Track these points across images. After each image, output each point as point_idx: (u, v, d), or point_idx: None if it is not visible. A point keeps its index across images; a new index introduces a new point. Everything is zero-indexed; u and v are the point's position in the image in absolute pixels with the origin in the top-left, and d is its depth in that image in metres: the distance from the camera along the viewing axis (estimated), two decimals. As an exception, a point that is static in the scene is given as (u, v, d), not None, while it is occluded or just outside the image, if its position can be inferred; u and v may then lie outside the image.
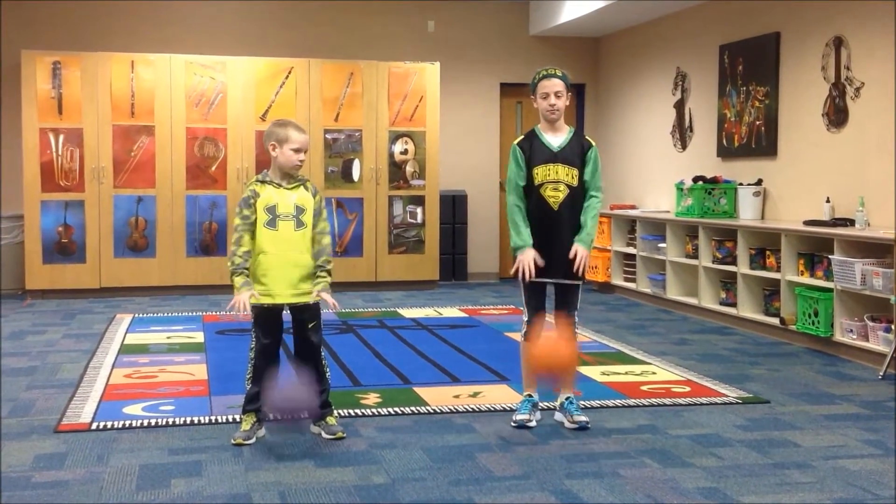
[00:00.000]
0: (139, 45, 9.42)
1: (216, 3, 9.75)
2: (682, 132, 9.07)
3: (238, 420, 4.37)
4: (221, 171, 9.04)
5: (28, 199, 8.67)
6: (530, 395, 4.57)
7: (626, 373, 5.68)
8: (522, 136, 4.57)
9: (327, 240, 4.30)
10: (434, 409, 4.78)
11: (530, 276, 4.36)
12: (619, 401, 4.99)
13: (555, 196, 4.43)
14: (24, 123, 8.65)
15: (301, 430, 4.33)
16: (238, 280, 4.14)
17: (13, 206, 9.12)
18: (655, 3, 8.74)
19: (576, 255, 4.39)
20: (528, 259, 4.36)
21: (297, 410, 4.13)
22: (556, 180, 4.43)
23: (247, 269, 4.16)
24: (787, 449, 4.17)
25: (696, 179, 8.10)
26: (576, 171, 4.44)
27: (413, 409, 4.79)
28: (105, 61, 8.80)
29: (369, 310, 8.08)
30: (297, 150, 4.20)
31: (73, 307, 8.26)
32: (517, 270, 4.39)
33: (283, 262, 4.18)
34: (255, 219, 4.18)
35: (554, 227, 4.43)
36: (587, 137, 4.59)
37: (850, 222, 6.49)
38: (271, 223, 4.18)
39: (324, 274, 4.23)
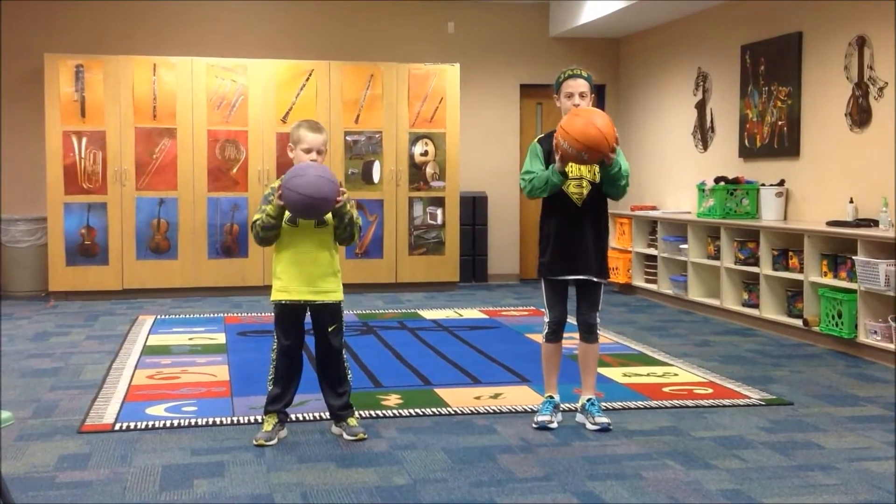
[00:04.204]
0: (161, 48, 9.48)
1: (237, 6, 9.79)
2: (704, 133, 9.03)
3: (260, 421, 4.39)
4: (243, 174, 9.07)
5: (51, 202, 8.74)
6: (551, 397, 4.56)
7: (648, 374, 5.66)
8: (543, 135, 4.57)
9: (359, 222, 4.34)
10: (455, 411, 4.78)
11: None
12: (641, 402, 4.97)
13: (578, 192, 4.42)
14: (47, 126, 8.71)
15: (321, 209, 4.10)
16: (268, 209, 4.13)
17: (36, 208, 9.20)
18: (676, 4, 8.71)
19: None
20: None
21: (319, 196, 4.00)
22: (578, 177, 4.42)
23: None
24: (811, 451, 4.14)
25: (717, 180, 8.06)
26: (598, 167, 4.43)
27: (434, 410, 4.79)
28: (127, 64, 8.86)
29: (390, 311, 8.08)
30: (307, 151, 4.20)
31: (95, 309, 8.31)
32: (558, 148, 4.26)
33: (303, 258, 4.19)
34: None
35: (577, 224, 4.42)
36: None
37: (873, 223, 6.45)
38: (292, 220, 4.19)
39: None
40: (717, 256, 7.86)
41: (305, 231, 4.21)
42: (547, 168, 4.40)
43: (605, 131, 4.16)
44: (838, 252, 6.50)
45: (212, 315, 7.91)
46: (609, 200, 4.53)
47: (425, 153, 9.45)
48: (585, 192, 4.42)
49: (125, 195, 8.86)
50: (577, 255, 4.42)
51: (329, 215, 4.21)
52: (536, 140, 4.54)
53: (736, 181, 7.98)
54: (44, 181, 8.85)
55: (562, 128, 4.22)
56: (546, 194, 4.42)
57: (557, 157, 4.28)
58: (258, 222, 4.19)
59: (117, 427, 4.47)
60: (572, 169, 4.40)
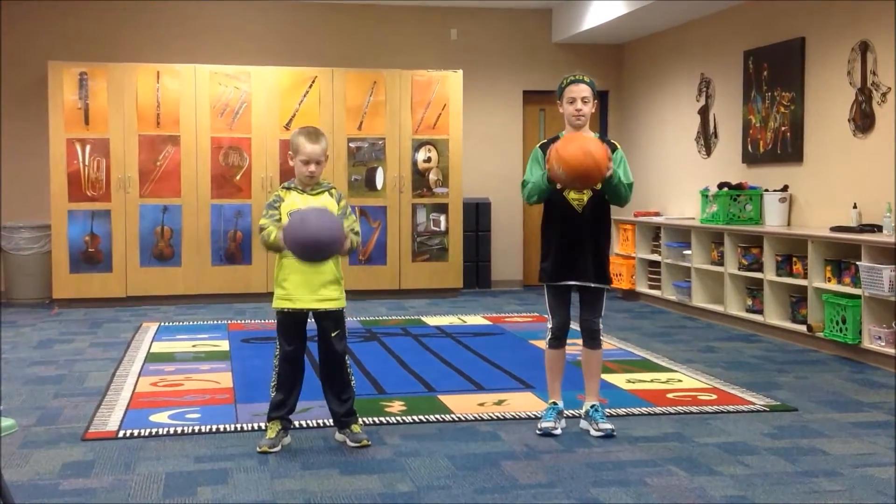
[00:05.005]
0: (164, 55, 9.50)
1: (240, 13, 9.81)
2: (707, 138, 9.03)
3: (263, 428, 4.38)
4: (246, 181, 9.08)
5: (55, 209, 8.75)
6: (555, 403, 4.56)
7: (652, 380, 5.65)
8: (546, 140, 4.57)
9: (357, 228, 4.29)
10: (459, 417, 4.78)
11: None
12: (644, 409, 4.96)
13: (579, 199, 4.42)
14: (51, 134, 8.73)
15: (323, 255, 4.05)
16: (272, 231, 4.13)
17: (40, 215, 9.21)
18: (679, 10, 8.71)
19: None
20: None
21: (319, 242, 3.96)
22: None
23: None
24: (816, 457, 4.13)
25: (721, 186, 8.05)
26: None
27: (438, 416, 4.79)
28: (131, 72, 8.87)
29: (393, 318, 8.08)
30: (305, 163, 4.20)
31: (99, 316, 8.32)
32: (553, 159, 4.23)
33: (306, 267, 4.19)
34: (280, 219, 4.21)
35: (578, 231, 4.43)
36: (611, 140, 4.58)
37: (877, 228, 6.44)
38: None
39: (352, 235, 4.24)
40: (720, 262, 7.85)
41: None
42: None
43: (599, 158, 4.14)
44: (842, 258, 6.49)
45: (215, 322, 7.91)
46: (612, 206, 4.53)
47: (428, 159, 9.45)
48: (586, 198, 4.42)
49: (129, 202, 8.87)
50: (577, 261, 4.42)
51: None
52: (538, 145, 4.54)
53: (739, 187, 7.97)
54: (47, 188, 8.87)
55: (557, 151, 4.20)
56: (541, 201, 4.44)
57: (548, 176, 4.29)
58: (265, 235, 4.19)
59: (121, 434, 4.47)
60: None
